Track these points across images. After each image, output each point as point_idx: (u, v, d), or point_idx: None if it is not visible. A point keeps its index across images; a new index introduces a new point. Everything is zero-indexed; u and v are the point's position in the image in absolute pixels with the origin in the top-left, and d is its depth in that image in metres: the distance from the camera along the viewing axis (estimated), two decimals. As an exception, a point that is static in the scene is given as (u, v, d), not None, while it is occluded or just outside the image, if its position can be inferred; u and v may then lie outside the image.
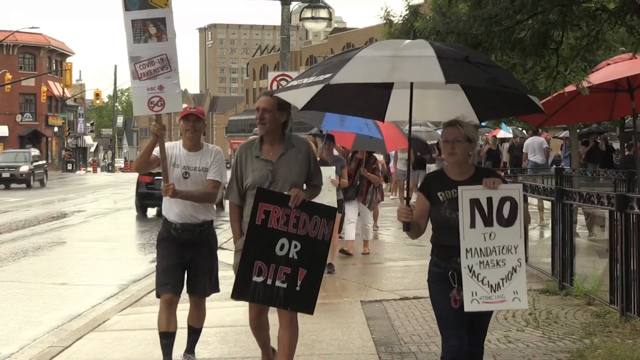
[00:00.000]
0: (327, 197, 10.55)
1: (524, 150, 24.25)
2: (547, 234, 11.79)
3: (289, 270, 5.89)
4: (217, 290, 7.21)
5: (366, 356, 7.35)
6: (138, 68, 6.68)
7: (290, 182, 6.09)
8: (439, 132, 30.86)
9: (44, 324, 9.53)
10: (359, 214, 13.59)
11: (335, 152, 13.13)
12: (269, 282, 5.87)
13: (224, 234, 16.41)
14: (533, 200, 14.07)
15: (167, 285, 6.87)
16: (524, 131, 32.11)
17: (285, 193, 5.97)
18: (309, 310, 6.03)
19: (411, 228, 5.46)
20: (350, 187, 13.01)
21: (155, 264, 7.25)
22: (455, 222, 5.22)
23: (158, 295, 6.98)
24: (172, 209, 6.90)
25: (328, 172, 10.98)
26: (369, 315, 9.03)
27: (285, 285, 5.90)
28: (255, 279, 5.85)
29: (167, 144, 6.86)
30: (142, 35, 6.68)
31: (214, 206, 7.14)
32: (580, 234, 13.92)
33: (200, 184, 6.86)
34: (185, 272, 6.99)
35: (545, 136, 24.95)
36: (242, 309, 10.01)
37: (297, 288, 5.91)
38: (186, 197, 6.77)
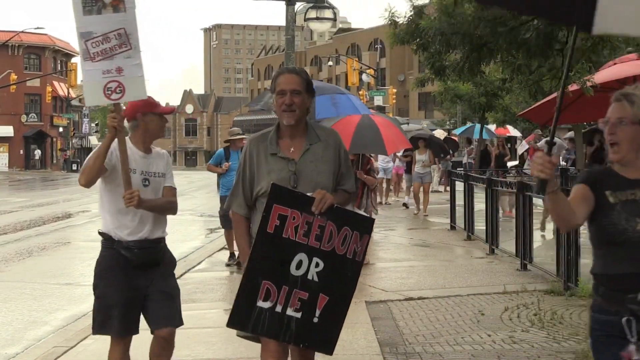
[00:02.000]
0: None
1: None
2: (552, 234, 11.80)
3: (305, 296, 4.58)
4: (180, 322, 5.83)
5: (371, 356, 7.34)
6: (90, 46, 5.40)
7: (319, 187, 4.73)
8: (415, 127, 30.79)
9: (49, 324, 9.54)
10: None
11: None
12: (279, 308, 4.55)
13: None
14: (538, 201, 14.03)
15: (120, 325, 5.59)
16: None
17: (308, 194, 4.65)
18: (328, 349, 4.81)
19: (560, 208, 3.65)
20: None
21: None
22: (636, 233, 3.61)
23: (98, 332, 5.72)
24: (124, 224, 5.53)
25: None
26: (374, 315, 9.02)
27: (299, 315, 4.58)
28: (260, 303, 4.53)
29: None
30: (94, 4, 5.41)
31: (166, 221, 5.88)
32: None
33: (157, 192, 5.67)
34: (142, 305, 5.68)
35: (533, 137, 24.84)
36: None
37: (315, 319, 4.62)
38: (151, 207, 5.53)
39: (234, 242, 12.24)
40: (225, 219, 12.33)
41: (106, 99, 5.43)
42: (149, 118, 5.63)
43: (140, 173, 5.57)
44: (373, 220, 5.03)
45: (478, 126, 31.97)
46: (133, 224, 5.54)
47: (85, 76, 5.49)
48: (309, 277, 4.58)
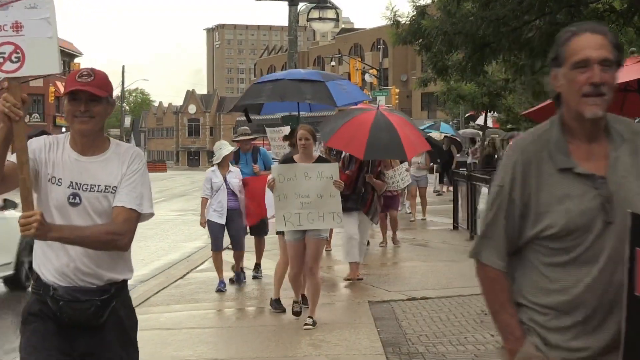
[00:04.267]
0: (329, 205, 8.43)
1: None
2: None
3: None
4: None
5: (374, 356, 7.34)
6: None
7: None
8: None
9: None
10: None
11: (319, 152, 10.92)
12: None
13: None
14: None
15: None
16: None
17: None
18: None
19: None
20: (352, 195, 10.69)
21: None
22: None
23: None
24: (50, 260, 3.74)
25: (329, 171, 8.54)
26: (377, 315, 9.02)
27: None
28: None
29: (39, 140, 3.82)
30: None
31: (129, 255, 3.91)
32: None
33: (103, 215, 3.72)
34: None
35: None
36: (251, 308, 10.02)
37: None
38: (72, 239, 3.61)
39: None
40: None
41: None
42: (65, 105, 3.84)
43: (69, 185, 3.72)
44: None
45: (444, 125, 31.80)
46: (59, 262, 3.73)
47: None
48: None
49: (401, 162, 13.49)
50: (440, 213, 20.90)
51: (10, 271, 11.07)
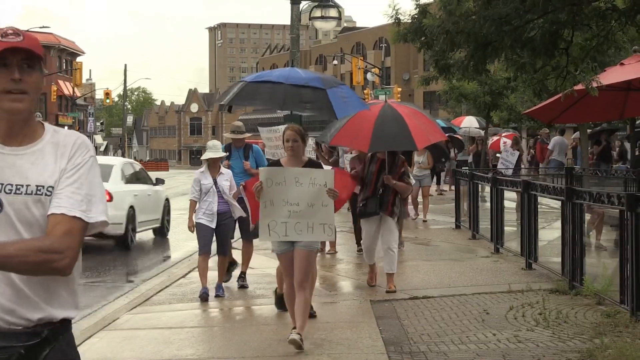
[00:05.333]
0: (321, 215, 7.63)
1: (549, 148, 24.10)
2: (557, 233, 11.79)
3: None
4: None
5: (375, 355, 7.34)
6: None
7: None
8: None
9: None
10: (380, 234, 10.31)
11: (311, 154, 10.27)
12: None
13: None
14: (543, 200, 14.02)
15: None
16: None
17: None
18: None
19: None
20: (371, 196, 10.10)
21: None
22: None
23: None
24: None
25: (323, 179, 7.67)
26: (379, 314, 9.02)
27: None
28: None
29: None
30: None
31: (75, 282, 2.88)
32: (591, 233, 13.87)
33: (33, 226, 2.77)
34: None
35: (513, 136, 24.83)
36: (253, 307, 10.02)
37: None
38: None
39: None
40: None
41: None
42: None
43: None
44: None
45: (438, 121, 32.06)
46: None
47: None
48: None
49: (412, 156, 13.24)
50: (442, 212, 20.88)
51: (158, 224, 18.09)
